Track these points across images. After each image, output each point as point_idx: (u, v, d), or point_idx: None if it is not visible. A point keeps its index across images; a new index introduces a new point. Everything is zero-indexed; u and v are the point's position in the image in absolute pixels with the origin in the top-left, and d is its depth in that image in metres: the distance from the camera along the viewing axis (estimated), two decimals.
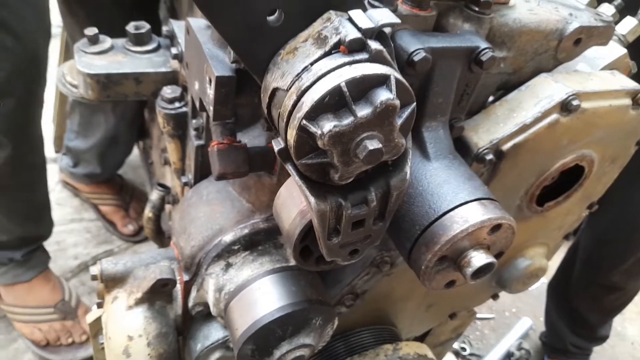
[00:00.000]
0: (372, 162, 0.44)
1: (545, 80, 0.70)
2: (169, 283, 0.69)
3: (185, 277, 0.72)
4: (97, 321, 0.88)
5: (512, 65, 0.70)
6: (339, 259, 0.54)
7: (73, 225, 1.78)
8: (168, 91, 0.73)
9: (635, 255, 1.40)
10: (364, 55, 0.42)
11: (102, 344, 0.75)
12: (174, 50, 0.72)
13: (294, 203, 0.56)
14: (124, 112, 1.45)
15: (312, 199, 0.46)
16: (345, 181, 0.47)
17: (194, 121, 0.71)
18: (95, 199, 1.77)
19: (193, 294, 0.72)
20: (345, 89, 0.41)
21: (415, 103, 0.46)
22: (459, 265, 0.58)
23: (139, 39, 0.74)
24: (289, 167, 0.46)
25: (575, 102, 0.67)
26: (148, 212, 1.02)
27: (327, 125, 0.41)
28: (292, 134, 0.43)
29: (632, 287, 1.53)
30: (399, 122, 0.44)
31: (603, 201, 0.94)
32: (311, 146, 0.44)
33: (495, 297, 1.09)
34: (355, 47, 0.42)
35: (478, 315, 1.93)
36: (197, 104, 0.58)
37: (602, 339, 1.70)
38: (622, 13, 0.83)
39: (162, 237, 1.06)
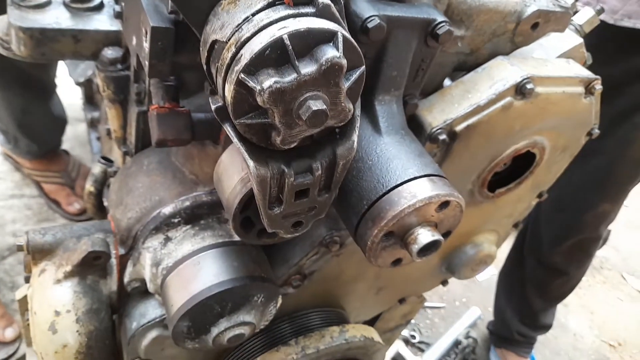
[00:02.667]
0: (316, 125, 0.41)
1: (502, 63, 0.70)
2: (102, 256, 0.64)
3: (121, 251, 0.67)
4: (26, 298, 0.83)
5: (469, 45, 0.69)
6: (282, 230, 0.52)
7: (13, 201, 1.67)
8: (109, 52, 0.68)
9: (574, 238, 1.45)
10: (311, 9, 0.40)
11: (28, 320, 0.70)
12: (117, 8, 0.67)
13: (236, 170, 0.53)
14: (7, 81, 1.38)
15: (251, 163, 0.43)
16: (288, 145, 0.44)
17: (135, 85, 0.67)
18: (38, 176, 1.68)
19: (129, 269, 0.68)
20: (288, 42, 0.38)
21: (364, 66, 0.43)
22: (405, 242, 0.57)
23: None
24: (227, 128, 0.43)
25: (529, 86, 0.67)
26: (89, 186, 0.96)
27: (268, 80, 0.38)
28: (229, 90, 0.40)
29: (574, 273, 1.58)
30: (347, 84, 0.42)
31: None
32: (251, 104, 0.41)
33: (444, 283, 1.09)
34: (301, 0, 0.39)
35: (429, 304, 1.95)
36: (134, 61, 0.53)
37: (546, 327, 1.76)
38: None
39: (104, 213, 1.00)
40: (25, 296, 0.82)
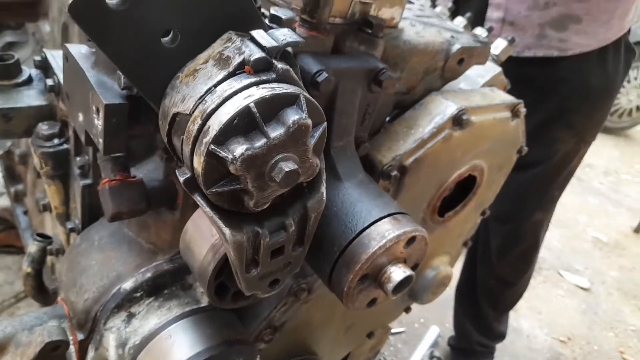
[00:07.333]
0: (289, 184, 0.42)
1: (436, 98, 0.75)
2: (61, 345, 0.59)
3: (80, 336, 0.62)
4: None
5: (405, 85, 0.73)
6: (259, 291, 0.51)
7: None
8: (44, 127, 0.65)
9: (518, 247, 1.54)
10: (271, 75, 0.41)
11: None
12: (49, 82, 0.64)
13: (203, 238, 0.51)
14: None
15: (226, 230, 0.43)
16: (261, 207, 0.44)
17: (78, 159, 0.64)
18: None
19: (91, 353, 0.63)
20: (255, 110, 0.38)
21: (325, 122, 0.45)
22: (379, 282, 0.58)
23: (6, 71, 0.64)
24: (198, 198, 0.43)
25: (465, 117, 0.72)
26: (27, 268, 0.89)
27: (239, 148, 0.38)
28: (199, 161, 0.39)
29: (520, 283, 1.68)
30: (312, 141, 0.43)
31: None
32: (221, 173, 0.40)
33: (407, 310, 1.11)
34: (260, 67, 0.40)
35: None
36: (83, 138, 0.51)
37: (502, 336, 1.83)
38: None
39: (45, 295, 0.93)
40: None
